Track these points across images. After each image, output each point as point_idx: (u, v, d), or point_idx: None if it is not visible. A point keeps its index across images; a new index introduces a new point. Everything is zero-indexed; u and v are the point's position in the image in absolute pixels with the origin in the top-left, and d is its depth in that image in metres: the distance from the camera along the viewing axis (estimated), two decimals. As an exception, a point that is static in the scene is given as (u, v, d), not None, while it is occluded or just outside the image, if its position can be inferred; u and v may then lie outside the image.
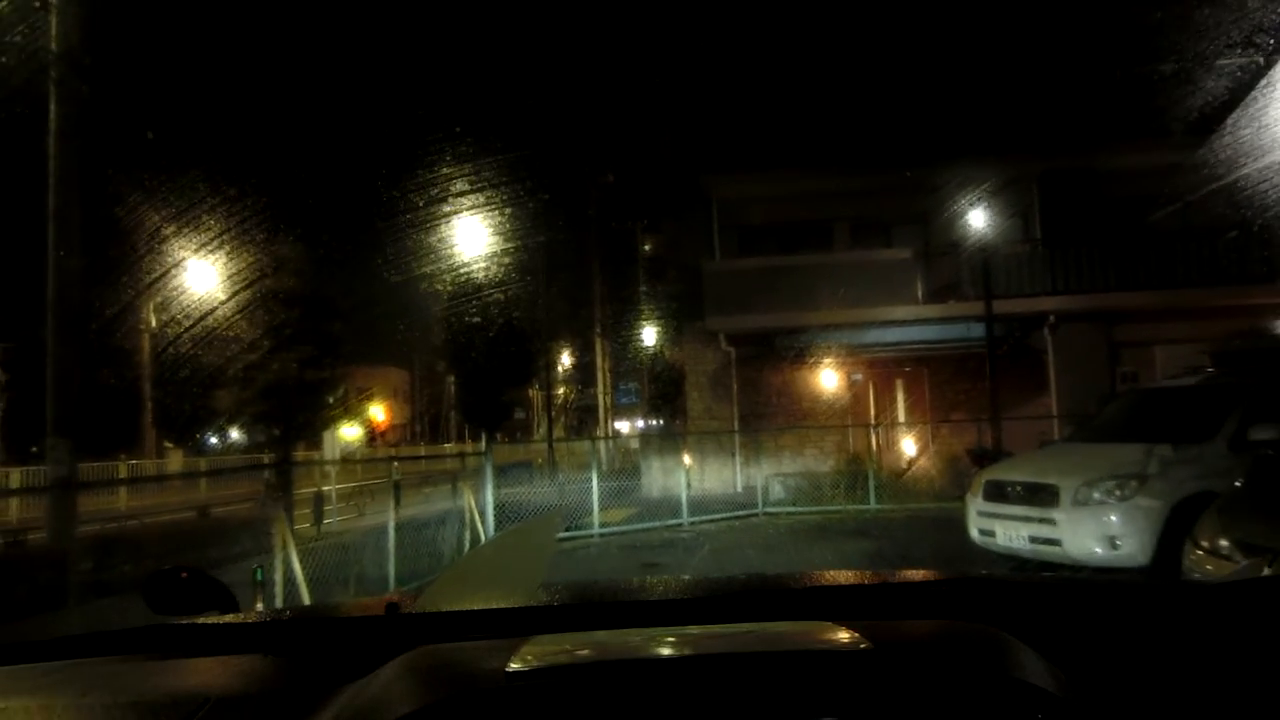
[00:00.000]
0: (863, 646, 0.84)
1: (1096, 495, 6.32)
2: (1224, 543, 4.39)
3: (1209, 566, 4.47)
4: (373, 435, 39.77)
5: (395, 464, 11.58)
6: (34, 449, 30.95)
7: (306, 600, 6.21)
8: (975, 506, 7.38)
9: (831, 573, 2.22)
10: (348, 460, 24.65)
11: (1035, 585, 1.75)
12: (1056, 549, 6.49)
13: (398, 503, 10.27)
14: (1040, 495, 6.69)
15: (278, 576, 6.14)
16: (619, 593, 1.64)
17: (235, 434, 44.24)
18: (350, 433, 25.71)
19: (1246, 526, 4.38)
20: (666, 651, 0.92)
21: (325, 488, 15.60)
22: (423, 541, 9.07)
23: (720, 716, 0.76)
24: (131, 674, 1.11)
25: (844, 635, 0.89)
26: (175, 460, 31.39)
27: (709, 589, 1.67)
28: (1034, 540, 6.66)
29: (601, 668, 0.84)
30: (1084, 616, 1.20)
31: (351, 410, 17.70)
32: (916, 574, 1.87)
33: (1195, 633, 1.14)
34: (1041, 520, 6.59)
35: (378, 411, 39.87)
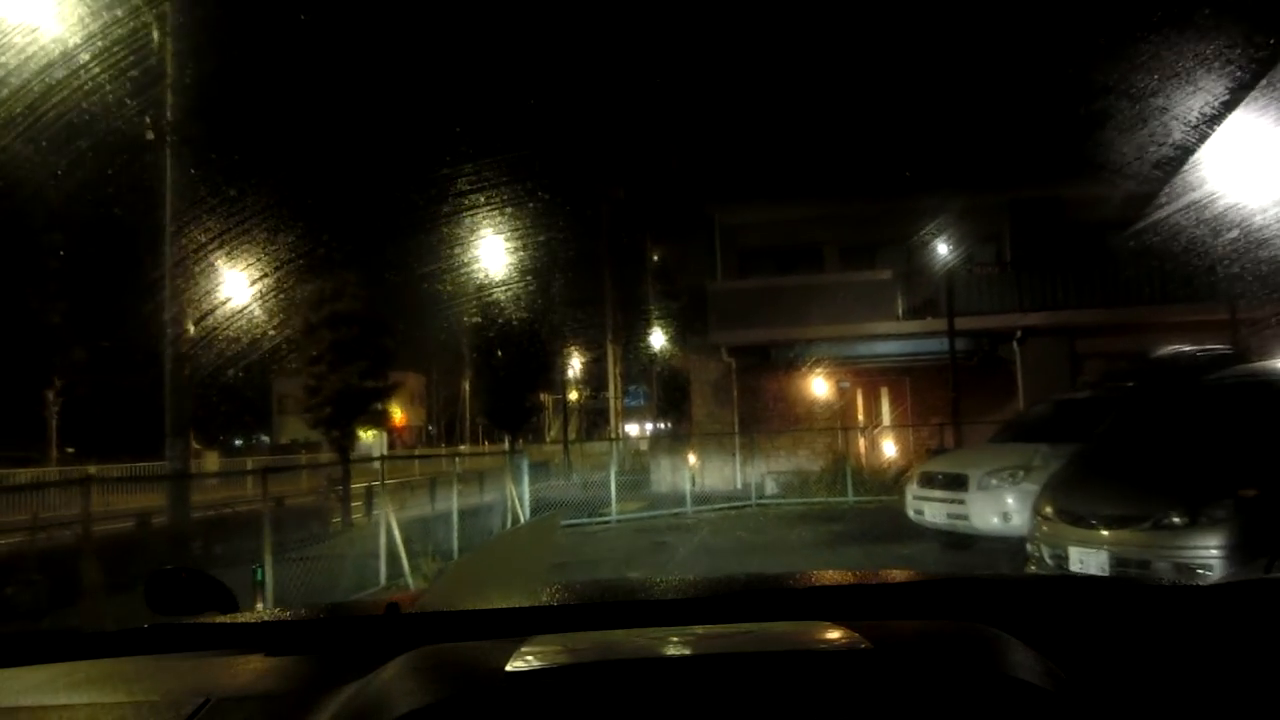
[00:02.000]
0: (862, 646, 0.84)
1: (994, 482, 8.37)
2: (1050, 510, 6.35)
3: (1045, 528, 6.43)
4: (391, 437, 41.76)
5: (457, 459, 13.71)
6: (70, 449, 32.88)
7: (405, 562, 8.31)
8: (911, 492, 9.47)
9: (831, 573, 2.27)
10: (425, 455, 26.62)
11: (1033, 584, 1.76)
12: (966, 522, 8.56)
13: (444, 494, 12.38)
14: (955, 482, 8.75)
15: (381, 543, 8.25)
16: (618, 592, 1.65)
17: (264, 438, 46.65)
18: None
19: (1064, 499, 6.34)
20: (666, 651, 0.93)
21: (373, 483, 17.66)
22: (476, 523, 11.29)
23: (720, 717, 0.76)
24: (131, 674, 1.12)
25: (843, 635, 0.89)
26: (211, 460, 33.54)
27: (708, 589, 1.67)
28: (950, 516, 8.74)
29: (601, 668, 0.85)
30: (1082, 615, 1.21)
31: (390, 414, 19.73)
32: (916, 574, 1.88)
33: (1194, 632, 1.14)
34: (955, 501, 8.65)
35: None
